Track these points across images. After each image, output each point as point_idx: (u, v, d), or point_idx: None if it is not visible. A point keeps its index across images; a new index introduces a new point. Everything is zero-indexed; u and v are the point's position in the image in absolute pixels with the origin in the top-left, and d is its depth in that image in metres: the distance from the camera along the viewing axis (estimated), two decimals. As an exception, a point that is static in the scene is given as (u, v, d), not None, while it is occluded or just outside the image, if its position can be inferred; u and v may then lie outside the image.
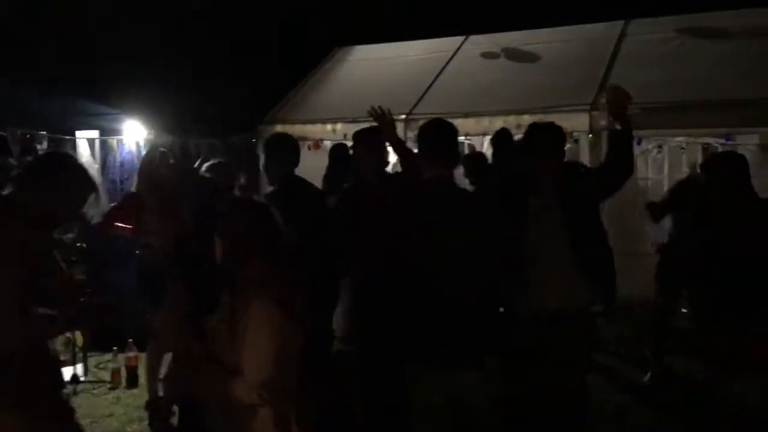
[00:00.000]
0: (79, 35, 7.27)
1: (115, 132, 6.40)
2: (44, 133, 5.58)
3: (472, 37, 9.75)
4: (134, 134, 6.29)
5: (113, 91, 6.08)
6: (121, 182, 6.42)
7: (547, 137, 3.60)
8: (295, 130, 8.89)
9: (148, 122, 6.33)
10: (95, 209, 2.45)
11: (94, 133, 6.32)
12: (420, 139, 3.39)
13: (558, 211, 3.42)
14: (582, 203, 3.48)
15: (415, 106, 8.44)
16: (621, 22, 8.74)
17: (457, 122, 7.88)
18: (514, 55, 9.07)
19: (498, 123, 7.68)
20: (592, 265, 3.42)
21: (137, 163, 6.20)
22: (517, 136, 7.41)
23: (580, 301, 3.43)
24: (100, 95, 6.05)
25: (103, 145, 6.36)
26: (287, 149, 4.28)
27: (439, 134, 3.33)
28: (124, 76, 6.64)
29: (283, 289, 2.36)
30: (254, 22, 12.03)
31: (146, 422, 4.85)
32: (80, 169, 2.75)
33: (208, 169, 4.67)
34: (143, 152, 6.18)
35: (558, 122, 6.75)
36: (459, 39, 9.78)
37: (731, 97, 6.67)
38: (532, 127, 3.71)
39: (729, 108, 6.61)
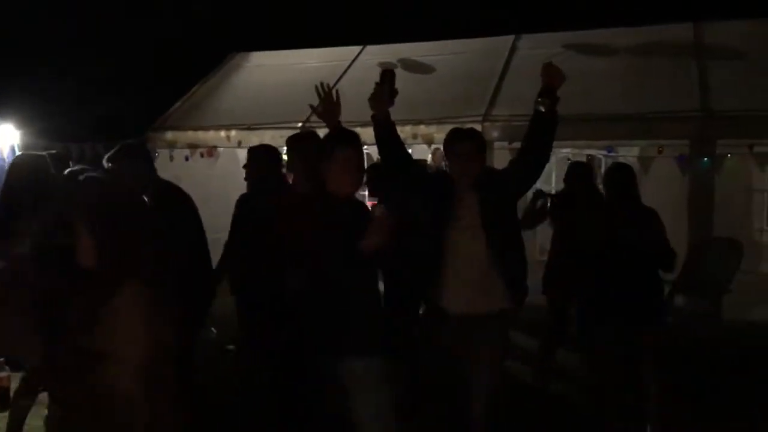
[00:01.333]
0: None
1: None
2: None
3: (369, 47, 9.80)
4: (7, 138, 5.87)
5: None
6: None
7: (470, 143, 3.71)
8: (187, 136, 8.64)
9: (22, 125, 5.92)
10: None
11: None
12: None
13: (478, 213, 3.56)
14: (500, 204, 3.63)
15: (312, 113, 8.34)
16: (511, 37, 9.02)
17: (356, 131, 7.98)
18: (410, 66, 9.18)
19: (394, 133, 7.75)
20: (507, 266, 3.56)
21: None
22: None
23: (496, 302, 3.54)
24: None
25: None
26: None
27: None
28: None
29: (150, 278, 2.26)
30: (149, 24, 11.59)
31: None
32: None
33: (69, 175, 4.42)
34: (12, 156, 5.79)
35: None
36: (356, 48, 9.80)
37: (614, 111, 7.01)
38: (454, 132, 3.80)
39: (611, 122, 6.93)
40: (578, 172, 5.35)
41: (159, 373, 2.31)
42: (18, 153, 5.88)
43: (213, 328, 6.59)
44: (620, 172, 4.47)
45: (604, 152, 7.54)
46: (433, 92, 8.28)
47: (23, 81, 6.65)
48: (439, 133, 7.13)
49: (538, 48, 8.73)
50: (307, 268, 3.13)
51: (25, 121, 5.96)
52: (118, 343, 2.22)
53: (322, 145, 3.30)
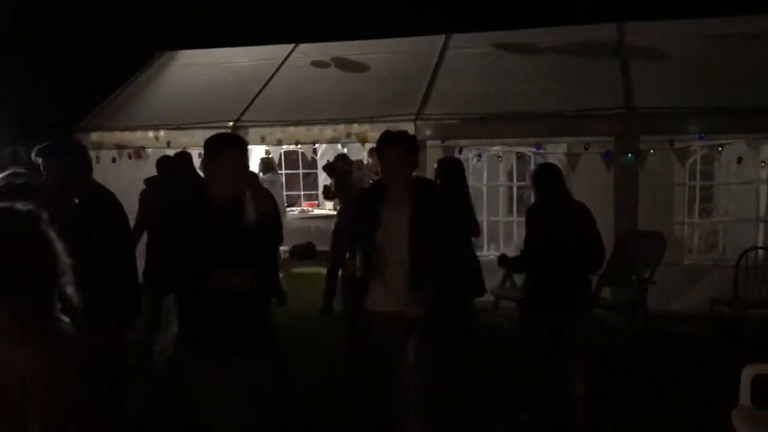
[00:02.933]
0: None
1: None
2: None
3: (302, 46, 9.73)
4: None
5: None
6: None
7: (398, 147, 3.63)
8: (114, 137, 8.39)
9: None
10: None
11: None
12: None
13: (406, 219, 3.60)
14: (431, 212, 3.66)
15: (243, 112, 8.25)
16: (442, 36, 9.11)
17: (288, 130, 7.95)
18: (343, 64, 9.17)
19: (328, 131, 7.75)
20: (430, 273, 3.62)
21: None
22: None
23: (418, 306, 3.62)
24: None
25: None
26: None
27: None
28: None
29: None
30: (75, 21, 11.19)
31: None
32: None
33: (7, 176, 4.23)
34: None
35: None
36: (288, 47, 9.72)
37: (541, 109, 7.17)
38: (383, 136, 3.73)
39: (539, 119, 7.09)
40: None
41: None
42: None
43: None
44: (546, 173, 4.53)
45: (533, 149, 7.69)
46: (366, 91, 8.30)
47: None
48: (373, 131, 7.15)
49: (468, 47, 8.86)
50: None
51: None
52: None
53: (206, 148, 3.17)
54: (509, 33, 9.03)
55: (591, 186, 7.27)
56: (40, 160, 3.73)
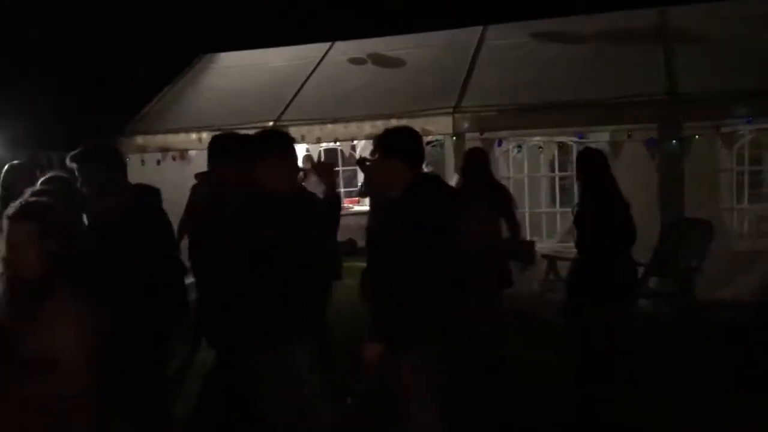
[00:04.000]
0: None
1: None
2: None
3: (338, 44, 9.78)
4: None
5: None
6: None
7: (377, 149, 3.29)
8: (158, 140, 8.56)
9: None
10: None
11: None
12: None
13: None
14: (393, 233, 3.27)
15: (283, 112, 8.33)
16: (479, 28, 9.06)
17: (327, 128, 8.00)
18: (379, 60, 9.19)
19: (366, 128, 7.76)
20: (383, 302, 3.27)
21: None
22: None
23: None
24: None
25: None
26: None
27: None
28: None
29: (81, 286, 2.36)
30: (114, 28, 11.45)
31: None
32: None
33: (44, 182, 4.36)
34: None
35: (423, 125, 7.00)
36: (325, 45, 9.78)
37: (582, 97, 7.07)
38: (385, 132, 3.40)
39: (580, 108, 6.99)
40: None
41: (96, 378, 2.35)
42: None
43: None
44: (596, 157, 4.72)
45: (575, 139, 7.59)
46: (403, 86, 8.30)
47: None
48: (412, 126, 7.13)
49: (505, 38, 8.79)
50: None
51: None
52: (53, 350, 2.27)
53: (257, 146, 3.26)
54: (546, 22, 8.93)
55: (635, 174, 7.16)
56: (74, 165, 3.83)
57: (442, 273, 3.06)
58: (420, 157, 3.23)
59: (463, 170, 5.29)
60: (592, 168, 4.63)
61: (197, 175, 5.09)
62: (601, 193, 4.54)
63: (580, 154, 4.95)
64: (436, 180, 3.42)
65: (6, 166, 4.54)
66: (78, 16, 10.97)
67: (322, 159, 9.45)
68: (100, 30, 11.12)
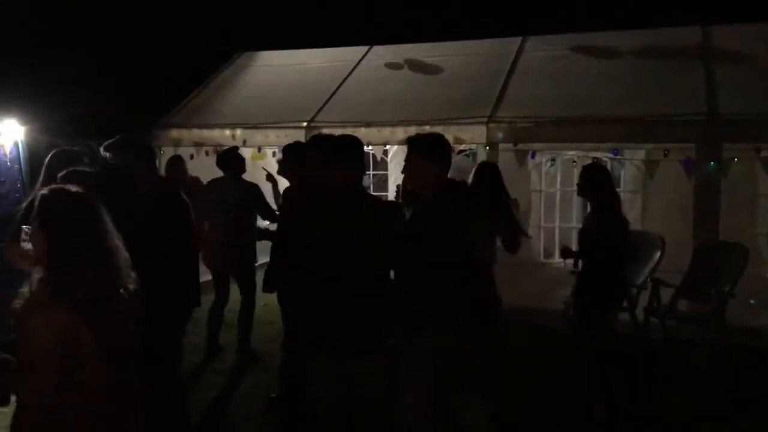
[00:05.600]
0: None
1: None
2: None
3: (376, 48, 9.79)
4: (11, 134, 5.86)
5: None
6: (-1, 184, 5.95)
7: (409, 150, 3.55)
8: (193, 134, 8.64)
9: (26, 121, 5.91)
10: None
11: (-34, 132, 5.85)
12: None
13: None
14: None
15: (317, 113, 8.36)
16: (518, 39, 8.99)
17: (359, 131, 8.00)
18: (416, 66, 9.18)
19: (399, 133, 7.74)
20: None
21: (13, 166, 5.80)
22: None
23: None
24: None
25: (-24, 145, 5.90)
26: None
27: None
28: (0, 72, 6.19)
29: (69, 281, 2.23)
30: (154, 20, 11.61)
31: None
32: None
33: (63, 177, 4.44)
34: (21, 153, 5.79)
35: (456, 133, 6.97)
36: (363, 49, 9.80)
37: (619, 113, 6.97)
38: (417, 135, 3.78)
39: (617, 124, 6.89)
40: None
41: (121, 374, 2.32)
42: (21, 147, 5.90)
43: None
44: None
45: (610, 155, 7.48)
46: (438, 93, 8.27)
47: (29, 76, 6.65)
48: (445, 134, 7.08)
49: (544, 50, 8.71)
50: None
51: (29, 117, 5.95)
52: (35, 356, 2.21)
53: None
54: (587, 35, 8.83)
55: (669, 194, 7.05)
56: (107, 154, 3.95)
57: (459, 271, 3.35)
58: (448, 163, 3.52)
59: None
60: (592, 185, 4.77)
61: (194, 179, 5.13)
62: (597, 209, 4.77)
63: (582, 169, 5.02)
64: (463, 187, 3.73)
65: (52, 152, 4.63)
66: (121, 11, 11.15)
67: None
68: (143, 24, 11.28)
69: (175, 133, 8.65)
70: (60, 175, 3.40)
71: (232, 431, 4.68)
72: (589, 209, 5.12)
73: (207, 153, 8.64)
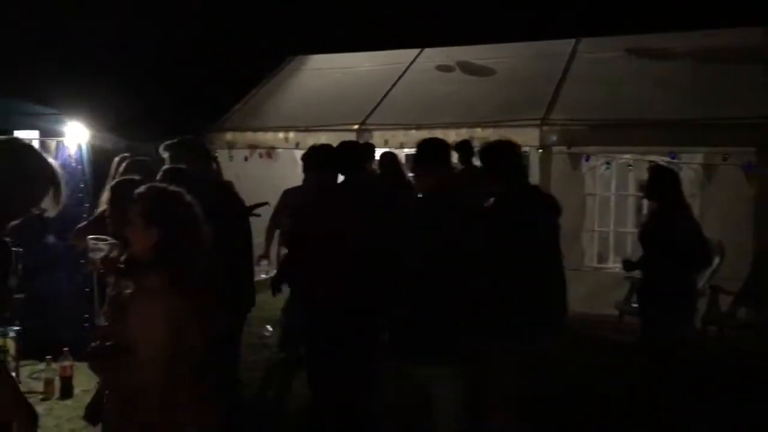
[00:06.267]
0: (18, 33, 7.05)
1: (56, 133, 6.16)
2: (-20, 131, 5.33)
3: (427, 50, 9.79)
4: (76, 136, 6.07)
5: (54, 91, 5.86)
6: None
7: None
8: (246, 137, 8.79)
9: (90, 124, 6.10)
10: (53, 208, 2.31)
11: (34, 134, 6.07)
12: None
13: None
14: None
15: (368, 116, 8.41)
16: (572, 41, 8.88)
17: (410, 134, 8.02)
18: (468, 68, 9.15)
19: (450, 135, 7.71)
20: None
21: (77, 166, 6.00)
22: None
23: None
24: (41, 95, 5.81)
25: (42, 146, 6.12)
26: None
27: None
28: (67, 75, 6.42)
29: (182, 272, 2.36)
30: (209, 25, 11.85)
31: (80, 435, 4.66)
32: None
33: (129, 167, 4.62)
34: (85, 155, 5.98)
35: (509, 136, 6.89)
36: (414, 51, 9.81)
37: (676, 116, 6.83)
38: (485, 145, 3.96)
39: (673, 127, 6.75)
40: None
41: (183, 371, 2.38)
42: (84, 149, 6.10)
43: (269, 326, 6.69)
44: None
45: (667, 158, 7.33)
46: (490, 95, 8.23)
47: (92, 81, 6.89)
48: (495, 136, 7.07)
49: (598, 52, 8.58)
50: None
51: (93, 119, 6.15)
52: (140, 340, 2.31)
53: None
54: (641, 37, 8.65)
55: (728, 199, 6.85)
56: (166, 154, 4.11)
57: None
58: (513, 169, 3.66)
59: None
60: (662, 186, 4.57)
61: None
62: (668, 211, 4.52)
63: (650, 171, 4.83)
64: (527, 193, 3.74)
65: (116, 158, 4.84)
66: (179, 17, 11.42)
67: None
68: (200, 31, 11.53)
69: (229, 135, 8.82)
70: (112, 185, 3.55)
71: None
72: (647, 213, 5.02)
73: (261, 155, 8.80)
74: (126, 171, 4.35)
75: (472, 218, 3.43)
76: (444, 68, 9.30)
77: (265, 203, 5.11)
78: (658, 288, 4.50)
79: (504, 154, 3.70)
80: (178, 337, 2.31)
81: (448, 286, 3.19)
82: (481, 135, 7.49)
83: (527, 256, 3.37)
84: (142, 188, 2.51)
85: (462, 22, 11.73)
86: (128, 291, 2.41)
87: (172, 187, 2.52)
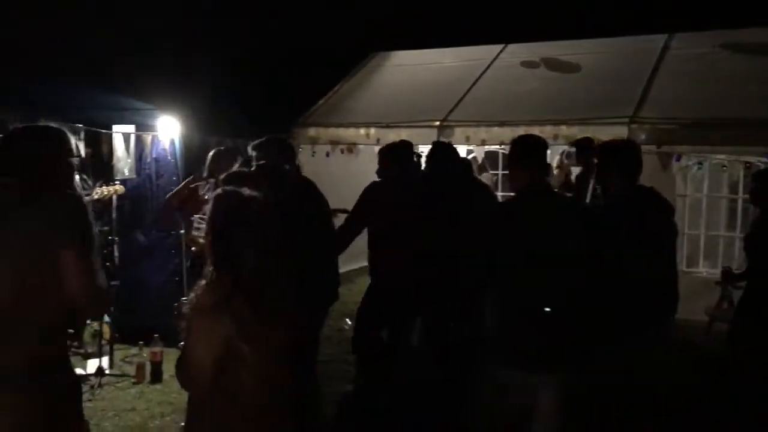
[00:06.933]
0: (116, 31, 7.36)
1: (151, 128, 6.42)
2: (81, 125, 5.61)
3: (511, 46, 9.65)
4: (169, 130, 6.31)
5: (150, 87, 6.10)
6: (157, 177, 6.44)
7: None
8: (329, 133, 8.90)
9: (183, 119, 6.34)
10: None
11: (130, 128, 6.35)
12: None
13: None
14: None
15: (450, 112, 8.36)
16: (664, 36, 8.57)
17: (493, 130, 7.93)
18: (553, 64, 8.96)
19: (534, 133, 7.58)
20: None
21: (170, 159, 6.25)
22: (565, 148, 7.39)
23: None
24: (137, 91, 6.07)
25: (138, 140, 6.39)
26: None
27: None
28: (162, 72, 6.66)
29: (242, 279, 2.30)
30: (292, 23, 12.05)
31: (168, 418, 4.85)
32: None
33: (213, 158, 4.80)
34: (177, 149, 6.22)
35: (596, 134, 6.74)
36: (497, 47, 9.69)
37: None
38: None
39: (770, 127, 6.41)
40: None
41: (275, 372, 2.40)
42: (177, 143, 6.35)
43: (348, 320, 6.77)
44: None
45: (764, 159, 6.97)
46: (576, 92, 8.03)
47: (184, 77, 7.13)
48: (582, 134, 6.89)
49: (691, 48, 8.24)
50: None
51: (185, 114, 6.37)
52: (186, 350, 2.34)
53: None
54: (736, 32, 8.25)
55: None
56: (254, 153, 4.23)
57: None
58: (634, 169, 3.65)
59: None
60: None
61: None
62: None
63: (756, 174, 4.61)
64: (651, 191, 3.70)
65: (212, 152, 5.04)
66: (265, 15, 11.66)
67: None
68: (287, 28, 11.74)
69: (312, 131, 8.95)
70: (222, 177, 3.65)
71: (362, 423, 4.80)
72: (753, 218, 4.75)
73: (342, 151, 8.89)
74: (220, 163, 4.53)
75: (584, 218, 3.38)
76: (528, 64, 9.14)
77: (345, 210, 5.21)
78: (760, 295, 4.28)
79: (628, 154, 3.68)
80: (224, 357, 2.28)
81: (558, 290, 3.11)
82: (566, 133, 7.33)
83: (645, 257, 3.31)
84: (216, 191, 2.51)
85: (547, 17, 11.48)
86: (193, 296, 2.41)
87: (248, 191, 2.45)
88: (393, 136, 8.34)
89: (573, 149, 5.63)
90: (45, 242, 2.37)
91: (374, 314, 4.87)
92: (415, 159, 5.48)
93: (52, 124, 2.61)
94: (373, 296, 4.89)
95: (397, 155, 5.08)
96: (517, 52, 9.47)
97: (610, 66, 8.42)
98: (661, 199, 3.72)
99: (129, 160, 6.13)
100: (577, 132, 7.16)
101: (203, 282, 2.34)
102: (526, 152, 3.34)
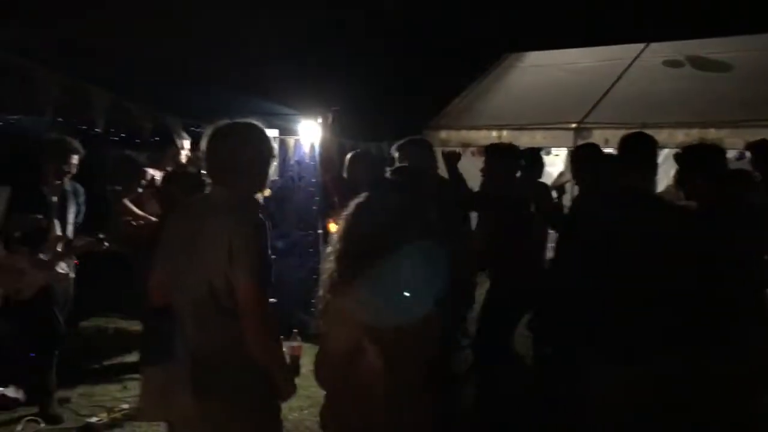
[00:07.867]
0: (259, 36, 7.72)
1: (292, 132, 6.72)
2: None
3: (653, 45, 9.24)
4: (310, 135, 6.57)
5: (293, 92, 6.39)
6: (299, 179, 6.74)
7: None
8: (460, 135, 8.90)
9: (322, 124, 6.60)
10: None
11: (274, 132, 6.68)
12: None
13: None
14: None
15: (588, 114, 8.12)
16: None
17: (637, 132, 7.59)
18: (699, 64, 8.49)
19: (679, 136, 7.23)
20: None
21: (310, 163, 6.52)
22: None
23: None
24: (281, 96, 6.38)
25: (282, 144, 6.71)
26: None
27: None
28: (303, 77, 6.96)
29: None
30: (426, 25, 12.16)
31: (306, 411, 5.03)
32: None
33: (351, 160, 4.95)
34: (317, 152, 6.46)
35: (749, 138, 6.32)
36: (638, 46, 9.30)
37: None
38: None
39: None
40: None
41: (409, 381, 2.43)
42: (317, 149, 6.60)
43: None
44: None
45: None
46: (726, 93, 7.57)
47: (325, 82, 7.39)
48: (732, 137, 6.50)
49: None
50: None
51: (324, 118, 6.61)
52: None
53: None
54: None
55: None
56: (396, 154, 4.33)
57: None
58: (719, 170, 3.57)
59: None
60: None
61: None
62: None
63: None
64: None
65: (349, 155, 5.22)
66: (399, 20, 11.84)
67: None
68: (421, 30, 11.86)
69: (443, 134, 8.99)
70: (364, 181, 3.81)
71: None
72: None
73: (473, 153, 8.85)
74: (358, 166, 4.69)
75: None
76: (672, 63, 8.71)
77: None
78: None
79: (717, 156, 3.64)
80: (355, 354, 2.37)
81: (656, 287, 3.11)
82: (714, 136, 6.92)
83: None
84: (358, 198, 2.61)
85: (692, 13, 10.87)
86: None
87: (390, 198, 2.60)
88: (526, 138, 8.25)
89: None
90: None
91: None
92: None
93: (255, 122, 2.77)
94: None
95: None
96: (660, 50, 9.06)
97: (764, 64, 7.86)
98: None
99: (274, 163, 6.43)
100: (727, 135, 6.76)
101: (337, 280, 2.46)
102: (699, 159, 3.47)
